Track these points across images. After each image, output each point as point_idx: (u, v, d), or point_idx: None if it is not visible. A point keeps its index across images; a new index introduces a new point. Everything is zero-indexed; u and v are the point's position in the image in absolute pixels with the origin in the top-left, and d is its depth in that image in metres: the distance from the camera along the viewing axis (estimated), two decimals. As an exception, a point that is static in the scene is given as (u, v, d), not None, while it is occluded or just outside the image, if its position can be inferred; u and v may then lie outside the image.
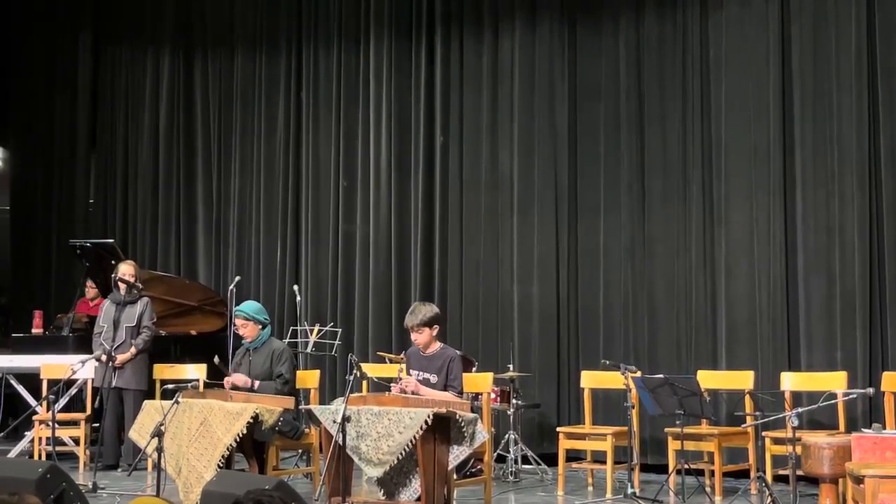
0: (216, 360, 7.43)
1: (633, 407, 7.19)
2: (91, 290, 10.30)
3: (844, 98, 8.20)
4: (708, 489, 7.45)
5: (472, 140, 9.70)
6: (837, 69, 8.25)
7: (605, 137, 9.14)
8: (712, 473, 7.47)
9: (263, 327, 7.47)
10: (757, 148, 8.48)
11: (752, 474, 7.38)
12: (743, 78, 8.57)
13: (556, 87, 9.35)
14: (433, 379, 6.77)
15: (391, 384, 6.91)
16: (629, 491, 7.05)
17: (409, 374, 6.89)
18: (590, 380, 8.05)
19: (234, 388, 7.29)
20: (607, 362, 7.54)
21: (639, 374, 7.39)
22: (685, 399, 7.02)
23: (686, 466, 7.10)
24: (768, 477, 7.16)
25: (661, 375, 7.30)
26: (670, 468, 7.42)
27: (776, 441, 7.25)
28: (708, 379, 7.73)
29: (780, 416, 6.83)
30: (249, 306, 7.56)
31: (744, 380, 7.71)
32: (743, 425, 7.35)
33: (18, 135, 11.79)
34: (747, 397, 7.44)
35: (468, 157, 9.72)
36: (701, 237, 8.65)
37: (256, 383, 7.29)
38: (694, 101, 8.75)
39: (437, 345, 6.90)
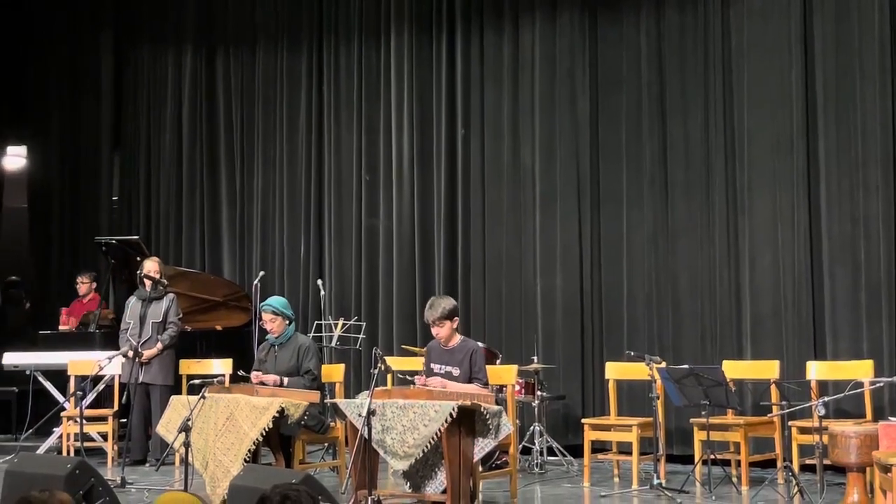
0: (240, 373, 7.48)
1: (658, 398, 7.17)
2: (83, 285, 10.27)
3: (868, 87, 8.13)
4: (734, 479, 7.41)
5: (493, 133, 9.69)
6: (860, 58, 8.18)
7: (627, 129, 9.11)
8: (738, 463, 7.44)
9: (290, 322, 7.49)
10: (780, 138, 8.42)
11: (779, 464, 7.34)
12: (765, 68, 8.52)
13: (577, 79, 9.32)
14: (455, 372, 6.76)
15: (415, 377, 6.91)
16: (655, 482, 7.03)
17: (430, 367, 6.89)
18: (614, 371, 8.03)
19: (263, 385, 7.31)
20: (632, 353, 7.51)
21: (663, 364, 7.36)
22: (710, 389, 6.99)
23: (712, 457, 7.07)
24: (795, 466, 7.14)
25: (686, 366, 7.28)
26: (696, 458, 7.40)
27: (802, 430, 7.21)
28: (733, 369, 7.69)
29: (807, 405, 6.80)
30: (277, 301, 7.58)
31: (769, 369, 7.66)
32: (769, 415, 7.32)
33: (40, 133, 11.83)
34: (773, 387, 7.40)
35: (490, 151, 9.70)
36: (724, 228, 8.61)
37: (285, 380, 7.30)
38: (716, 91, 8.70)
39: (458, 338, 6.89)
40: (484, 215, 9.69)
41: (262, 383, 7.26)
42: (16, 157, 12.27)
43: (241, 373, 7.41)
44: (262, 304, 7.64)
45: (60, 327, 10.06)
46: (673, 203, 8.89)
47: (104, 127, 11.62)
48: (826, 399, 6.77)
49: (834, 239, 8.22)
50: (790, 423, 7.29)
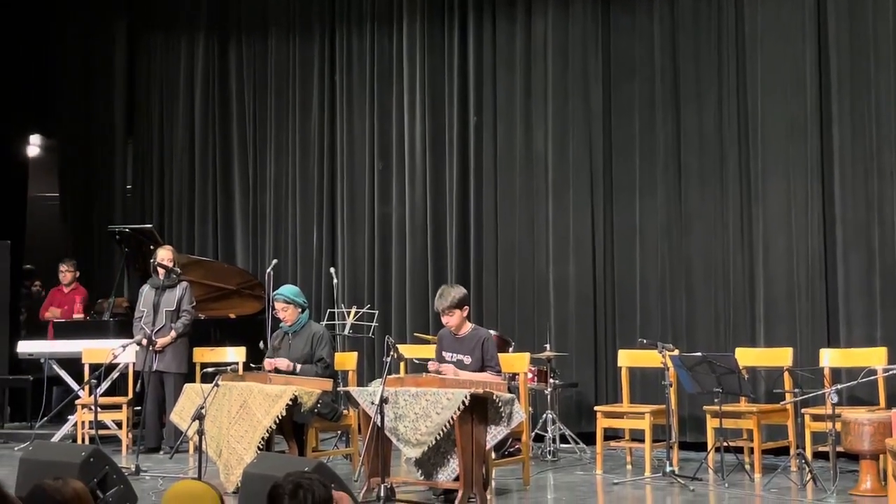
0: (262, 345, 7.49)
1: (670, 385, 7.17)
2: (67, 274, 10.23)
3: (882, 73, 8.09)
4: (747, 466, 7.40)
5: (506, 120, 9.67)
6: (875, 43, 8.14)
7: (641, 116, 9.08)
8: (751, 451, 7.43)
9: (303, 311, 7.51)
10: (794, 124, 8.39)
11: (792, 451, 7.33)
12: (779, 54, 8.48)
13: (589, 66, 9.29)
14: (466, 360, 6.77)
15: (428, 362, 6.92)
16: (668, 469, 7.03)
17: (441, 355, 6.89)
18: (627, 359, 8.02)
19: (277, 371, 7.33)
20: (644, 341, 7.51)
21: (676, 352, 7.35)
22: (723, 377, 6.98)
23: (725, 444, 7.06)
24: (808, 454, 7.12)
25: (698, 353, 7.27)
26: (709, 446, 7.39)
27: (816, 418, 7.20)
28: (746, 356, 7.68)
29: (820, 392, 6.79)
30: (289, 290, 7.60)
31: (782, 357, 7.65)
32: (782, 402, 7.30)
33: (63, 124, 11.86)
34: (786, 374, 7.38)
35: (502, 138, 9.69)
36: (738, 215, 8.58)
37: (298, 366, 7.32)
38: (729, 78, 8.67)
39: (469, 326, 6.90)
40: (496, 203, 9.68)
41: (277, 370, 7.28)
42: (38, 147, 12.32)
43: (261, 345, 7.42)
44: (274, 293, 7.65)
45: (75, 316, 10.09)
46: (686, 190, 8.86)
47: (117, 116, 11.63)
48: (839, 386, 6.77)
49: (848, 225, 8.19)
50: (803, 410, 7.28)
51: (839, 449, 6.57)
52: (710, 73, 8.77)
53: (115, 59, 11.57)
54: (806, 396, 6.88)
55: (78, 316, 10.09)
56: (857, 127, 8.19)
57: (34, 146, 12.36)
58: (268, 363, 7.40)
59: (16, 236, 11.29)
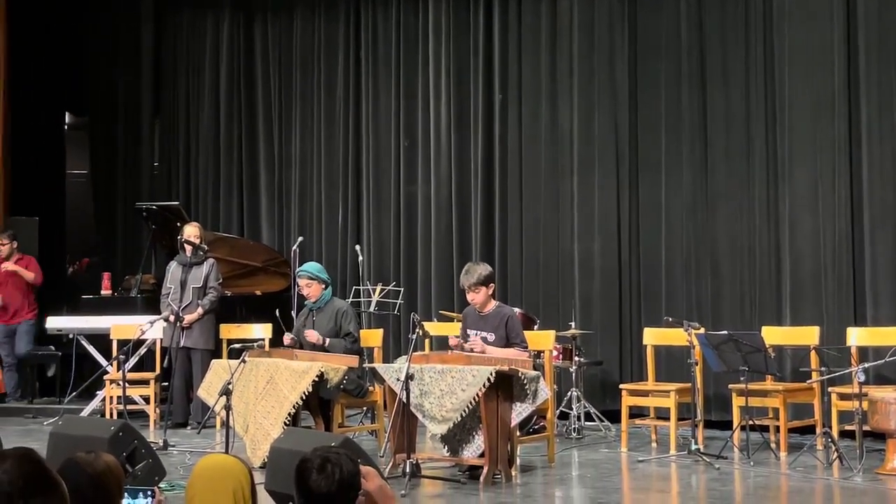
0: (277, 312, 7.54)
1: (696, 363, 7.14)
2: (2, 247, 9.98)
3: (912, 49, 8.00)
4: (773, 445, 7.38)
5: (531, 98, 9.63)
6: (905, 19, 8.04)
7: (667, 94, 9.02)
8: (777, 429, 7.41)
9: (326, 287, 7.52)
10: (821, 102, 8.31)
11: (818, 430, 7.29)
12: (807, 31, 8.39)
13: (615, 43, 9.23)
14: (490, 337, 6.77)
15: (449, 338, 6.91)
16: (693, 447, 7.01)
17: (466, 333, 6.89)
18: (652, 336, 8.00)
19: (301, 346, 7.35)
20: (670, 319, 7.48)
21: (702, 330, 7.32)
22: (749, 355, 6.95)
23: (751, 422, 7.04)
24: (834, 432, 7.09)
25: (724, 332, 7.24)
26: (735, 424, 7.37)
27: (842, 397, 7.16)
28: (773, 335, 7.65)
29: (847, 371, 6.75)
30: (312, 266, 7.62)
31: (809, 335, 7.61)
32: (808, 381, 7.26)
33: (93, 102, 11.90)
34: (813, 353, 7.34)
35: (527, 115, 9.65)
36: (764, 193, 8.53)
37: (327, 340, 7.34)
38: (756, 55, 8.59)
39: (494, 303, 6.89)
40: (521, 181, 9.65)
41: (300, 345, 7.29)
42: (69, 125, 12.37)
43: (284, 339, 7.45)
44: (297, 270, 7.67)
45: (102, 292, 10.13)
46: (712, 168, 8.81)
47: (144, 94, 11.66)
48: (866, 365, 6.72)
49: (875, 204, 8.12)
50: (830, 389, 7.24)
51: (865, 428, 6.54)
52: (737, 50, 8.69)
53: (141, 37, 11.59)
54: (832, 375, 6.84)
55: (28, 275, 9.94)
56: (885, 105, 8.11)
57: (66, 124, 12.41)
58: (286, 337, 7.41)
59: (54, 213, 11.38)
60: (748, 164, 8.62)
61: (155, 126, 11.76)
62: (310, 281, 7.48)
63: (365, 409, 8.32)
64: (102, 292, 10.14)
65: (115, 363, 8.56)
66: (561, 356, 8.29)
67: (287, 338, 7.44)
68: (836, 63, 8.23)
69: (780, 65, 8.48)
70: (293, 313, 8.55)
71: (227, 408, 6.28)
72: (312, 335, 7.35)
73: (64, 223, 11.80)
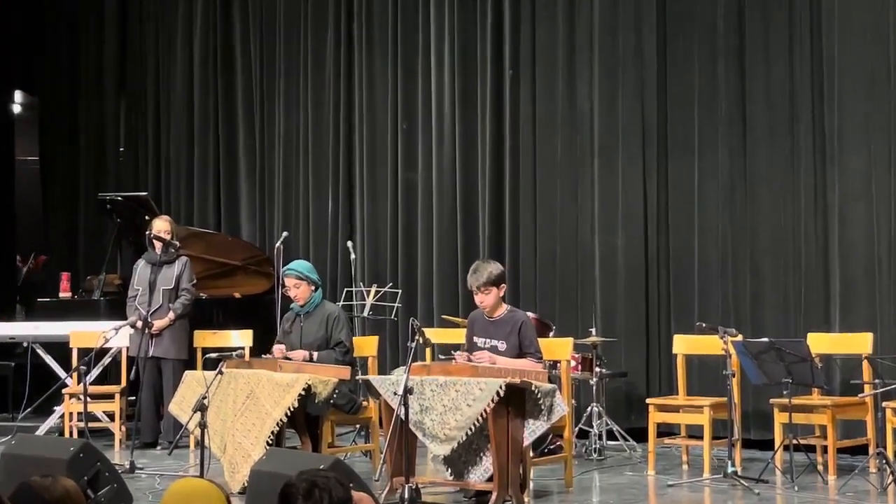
0: (265, 356, 7.55)
1: (733, 375, 7.16)
2: None
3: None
4: (820, 467, 7.42)
5: (546, 73, 9.65)
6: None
7: (700, 65, 9.03)
8: (825, 449, 7.44)
9: (316, 289, 7.56)
10: (875, 75, 8.32)
11: (871, 450, 7.32)
12: (859, -6, 8.42)
13: (642, 9, 9.24)
14: (501, 346, 6.80)
15: (454, 352, 6.95)
16: (729, 470, 7.04)
17: (472, 340, 6.93)
18: (683, 345, 8.03)
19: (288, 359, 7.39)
20: (703, 324, 7.50)
21: (740, 337, 7.35)
22: (793, 366, 6.98)
23: (795, 442, 7.07)
24: (889, 453, 7.11)
25: (765, 339, 7.27)
26: (776, 444, 7.40)
27: (899, 412, 7.20)
28: (820, 342, 7.67)
29: (903, 383, 6.77)
30: (301, 265, 7.65)
31: (861, 343, 7.62)
32: (860, 395, 7.29)
33: (46, 80, 11.92)
34: (865, 363, 7.36)
35: (542, 93, 9.67)
36: (811, 178, 8.54)
37: (315, 355, 7.37)
38: (802, 20, 8.60)
39: (505, 307, 6.92)
40: (535, 167, 9.68)
41: (287, 359, 7.34)
42: (20, 105, 12.42)
43: (266, 356, 7.49)
44: (283, 269, 7.71)
45: (61, 295, 10.18)
46: (752, 150, 8.82)
47: (108, 69, 11.69)
48: (926, 376, 6.75)
49: (938, 191, 8.16)
50: (884, 403, 7.26)
51: (925, 447, 6.57)
52: (780, 15, 8.71)
53: (104, 3, 11.62)
54: (888, 388, 6.87)
55: None
56: (948, 78, 8.14)
57: (16, 104, 12.45)
58: (277, 350, 7.45)
59: (1, 205, 11.41)
60: (792, 146, 8.64)
61: (120, 106, 11.81)
62: (298, 281, 7.51)
63: (358, 426, 8.36)
64: (61, 294, 10.20)
65: (74, 375, 8.60)
66: (580, 367, 8.32)
67: (278, 350, 7.47)
68: (891, 30, 8.25)
69: (828, 31, 8.48)
70: (277, 317, 8.61)
71: (202, 425, 6.31)
72: (298, 354, 7.37)
73: (14, 216, 11.83)
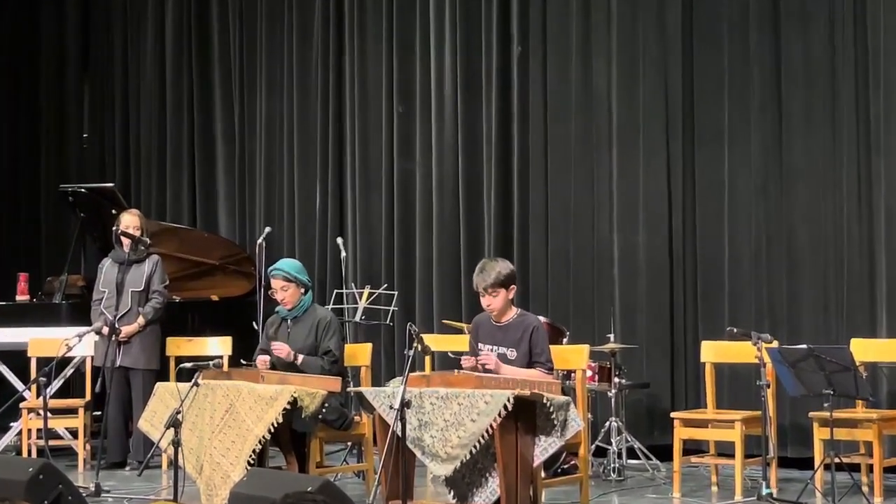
0: (243, 362, 7.54)
1: (768, 386, 7.16)
2: None
3: None
4: (865, 488, 7.41)
5: (558, 50, 9.64)
6: None
7: (730, 43, 9.03)
8: (870, 468, 7.44)
9: (305, 291, 7.55)
10: (926, 54, 8.33)
11: (922, 470, 7.33)
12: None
13: (665, -20, 9.26)
14: (510, 354, 6.79)
15: (461, 358, 6.93)
16: (764, 492, 7.03)
17: (477, 347, 6.92)
18: (712, 352, 8.02)
19: (273, 367, 7.38)
20: (734, 330, 7.49)
21: (775, 344, 7.35)
22: (835, 375, 6.97)
23: (837, 460, 7.06)
24: (943, 473, 7.11)
25: (804, 346, 7.25)
26: (816, 463, 7.39)
27: (953, 428, 7.19)
28: (864, 349, 7.67)
29: (958, 396, 6.77)
30: (289, 264, 7.63)
31: (910, 350, 7.64)
32: (909, 408, 7.29)
33: (1, 58, 11.91)
34: (915, 372, 7.37)
35: (554, 73, 9.66)
36: (854, 169, 8.54)
37: (300, 357, 7.36)
38: (844, -4, 8.61)
39: (514, 311, 6.92)
40: (546, 156, 9.67)
41: (273, 364, 7.32)
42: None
43: (244, 361, 7.48)
44: (270, 268, 7.70)
45: (18, 298, 10.16)
46: (788, 138, 8.82)
47: (70, 48, 11.68)
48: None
49: None
50: (937, 417, 7.27)
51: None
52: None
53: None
54: (940, 400, 6.87)
55: None
56: None
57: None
58: (261, 362, 7.44)
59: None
60: (833, 131, 8.63)
61: (83, 87, 11.79)
62: (286, 283, 7.50)
63: (349, 444, 8.35)
64: (18, 298, 10.18)
65: (33, 387, 8.60)
66: (597, 377, 8.32)
67: (261, 360, 7.45)
68: (944, 4, 8.26)
69: (873, 5, 8.48)
70: (258, 324, 8.61)
71: (176, 443, 6.31)
72: (282, 349, 7.37)
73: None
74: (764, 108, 8.91)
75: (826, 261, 8.65)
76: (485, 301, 6.85)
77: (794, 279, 8.75)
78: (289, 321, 7.58)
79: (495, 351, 6.83)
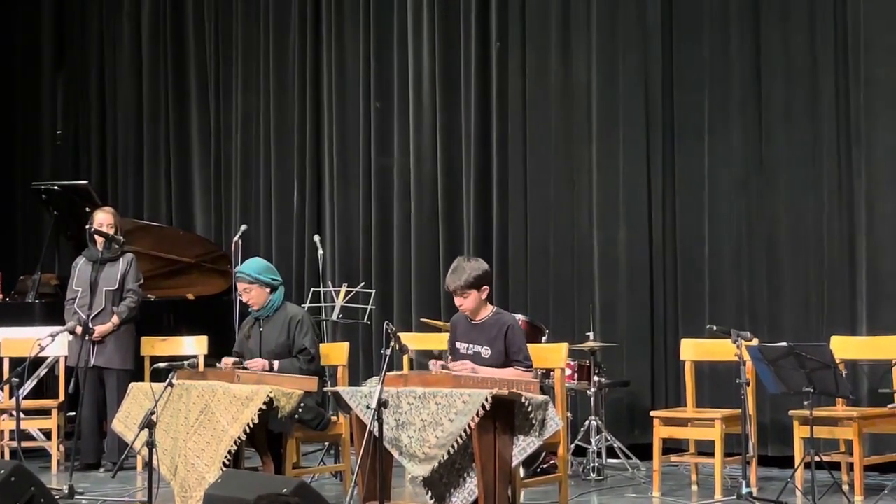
0: (219, 365, 7.50)
1: (747, 384, 7.16)
2: None
3: None
4: (845, 487, 7.43)
5: (537, 44, 9.64)
6: None
7: (710, 35, 9.03)
8: (851, 467, 7.45)
9: (273, 290, 7.53)
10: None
11: (903, 467, 7.35)
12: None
13: (645, -28, 9.26)
14: (485, 353, 6.79)
15: (430, 361, 6.93)
16: (744, 491, 7.04)
17: (455, 346, 6.92)
18: (692, 350, 8.03)
19: (243, 365, 7.37)
20: (714, 327, 7.50)
21: (755, 341, 7.35)
22: (815, 373, 6.98)
23: (817, 459, 7.07)
24: (923, 471, 7.14)
25: (784, 343, 7.26)
26: (796, 461, 7.41)
27: (933, 425, 7.22)
28: (845, 347, 7.69)
29: (939, 393, 6.79)
30: (251, 266, 7.61)
31: (891, 347, 7.65)
32: (889, 405, 7.30)
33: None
34: (895, 370, 7.37)
35: (533, 66, 9.66)
36: (835, 163, 8.56)
37: (276, 364, 7.35)
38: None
39: (490, 309, 6.91)
40: (525, 150, 9.67)
41: (245, 368, 7.32)
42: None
43: (219, 365, 7.47)
44: (235, 270, 7.69)
45: None
46: (769, 133, 8.83)
47: (44, 43, 11.64)
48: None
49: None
50: (918, 415, 7.30)
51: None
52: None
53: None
54: (921, 397, 6.89)
55: None
56: None
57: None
58: (226, 363, 7.40)
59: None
60: (814, 127, 8.65)
61: (57, 83, 11.75)
62: (249, 285, 7.48)
63: (326, 444, 8.34)
64: None
65: (6, 388, 8.57)
66: (576, 376, 8.32)
67: (227, 361, 7.43)
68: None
69: (853, -2, 8.52)
70: (236, 320, 8.59)
71: (151, 444, 6.30)
72: (257, 364, 7.34)
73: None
74: (744, 103, 8.92)
75: (806, 257, 8.66)
76: (457, 302, 6.86)
77: (775, 276, 8.77)
78: (261, 321, 7.57)
79: (471, 348, 6.83)
